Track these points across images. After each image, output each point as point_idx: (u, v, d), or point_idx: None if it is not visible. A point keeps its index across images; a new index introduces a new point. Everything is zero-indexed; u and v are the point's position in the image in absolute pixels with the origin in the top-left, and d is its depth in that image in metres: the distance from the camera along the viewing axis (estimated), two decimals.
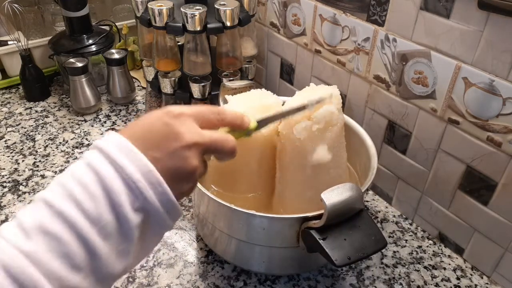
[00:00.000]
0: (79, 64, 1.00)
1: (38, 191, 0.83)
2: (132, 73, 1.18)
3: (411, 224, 0.79)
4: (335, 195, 0.54)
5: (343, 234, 0.55)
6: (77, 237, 0.35)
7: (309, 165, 0.63)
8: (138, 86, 1.18)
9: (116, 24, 1.17)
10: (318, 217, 0.55)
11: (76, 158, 0.92)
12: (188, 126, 0.42)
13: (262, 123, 0.51)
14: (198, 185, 0.60)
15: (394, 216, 0.81)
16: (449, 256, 0.74)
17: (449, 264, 0.72)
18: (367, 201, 0.84)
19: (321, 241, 0.54)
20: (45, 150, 0.94)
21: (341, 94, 0.71)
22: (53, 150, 0.94)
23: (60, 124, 1.03)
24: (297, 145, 0.62)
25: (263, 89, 0.71)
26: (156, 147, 0.40)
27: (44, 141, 0.97)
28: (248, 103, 0.66)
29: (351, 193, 0.54)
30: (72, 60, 1.01)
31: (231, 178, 0.69)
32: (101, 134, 1.00)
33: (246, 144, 0.63)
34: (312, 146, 0.61)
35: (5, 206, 0.80)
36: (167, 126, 0.41)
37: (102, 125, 1.03)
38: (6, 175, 0.88)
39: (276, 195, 0.69)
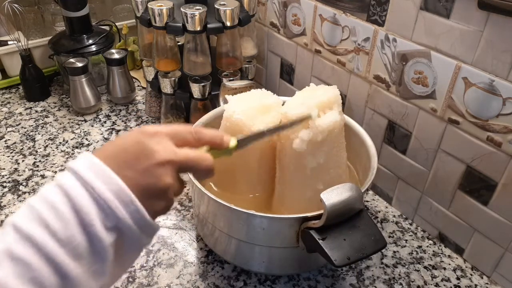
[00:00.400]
0: (79, 64, 1.00)
1: (38, 191, 0.83)
2: (132, 73, 1.18)
3: (411, 224, 0.79)
4: (334, 195, 0.54)
5: (342, 234, 0.55)
6: (47, 261, 0.35)
7: (309, 165, 0.63)
8: (138, 86, 1.18)
9: (116, 24, 1.17)
10: (318, 217, 0.55)
11: (76, 158, 0.92)
12: (163, 144, 0.42)
13: (242, 142, 0.50)
14: (198, 185, 0.60)
15: (394, 216, 0.81)
16: (449, 256, 0.74)
17: (449, 264, 0.72)
18: (367, 201, 0.84)
19: (320, 241, 0.54)
20: (45, 150, 0.94)
21: (341, 94, 0.71)
22: (53, 150, 0.94)
23: (60, 124, 1.03)
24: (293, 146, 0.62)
25: (263, 89, 0.72)
26: (128, 165, 0.40)
27: (44, 141, 0.97)
28: (248, 103, 0.66)
29: (350, 193, 0.54)
30: (72, 60, 1.01)
31: (231, 179, 0.69)
32: (101, 134, 1.00)
33: None
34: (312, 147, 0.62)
35: (5, 206, 0.80)
36: (140, 144, 0.41)
37: (102, 125, 1.03)
38: (6, 175, 0.88)
39: (276, 195, 0.69)
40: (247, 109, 0.64)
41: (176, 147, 0.43)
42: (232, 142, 0.49)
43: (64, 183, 0.38)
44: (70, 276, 0.36)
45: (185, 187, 0.46)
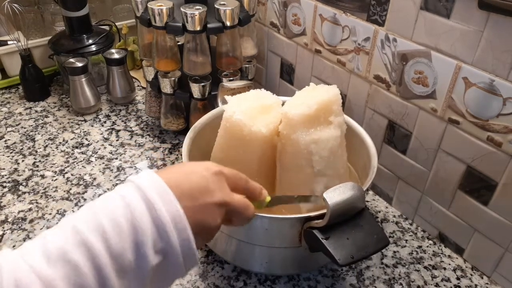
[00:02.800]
0: (79, 64, 1.00)
1: (38, 191, 0.83)
2: (132, 73, 1.18)
3: (411, 224, 0.79)
4: (337, 195, 0.53)
5: (345, 233, 0.55)
6: (95, 270, 0.35)
7: (310, 165, 0.63)
8: (138, 86, 1.18)
9: (116, 24, 1.17)
10: (320, 216, 0.55)
11: (76, 158, 0.92)
12: (222, 185, 0.44)
13: (274, 201, 0.53)
14: None
15: (394, 216, 0.81)
16: (449, 256, 0.74)
17: (449, 264, 0.72)
18: (367, 201, 0.84)
19: (324, 241, 0.54)
20: (45, 150, 0.94)
21: (341, 94, 0.70)
22: (53, 150, 0.94)
23: (60, 124, 1.03)
24: (297, 146, 0.62)
25: (262, 89, 0.71)
26: (190, 196, 0.41)
27: (44, 141, 0.97)
28: (248, 103, 0.66)
29: (353, 192, 0.54)
30: (72, 60, 1.01)
31: None
32: (101, 134, 1.00)
33: (246, 145, 0.63)
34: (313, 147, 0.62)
35: (5, 206, 0.80)
36: (205, 180, 0.43)
37: (102, 125, 1.03)
38: (6, 175, 0.87)
39: (277, 195, 0.69)
40: (247, 109, 0.64)
41: (230, 191, 0.45)
42: (268, 198, 0.52)
43: (127, 196, 0.39)
44: None
45: None
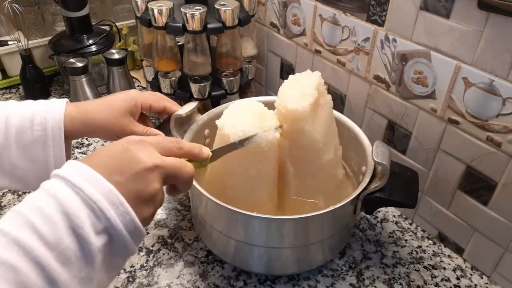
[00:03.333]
0: (79, 64, 1.00)
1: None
2: (132, 73, 1.18)
3: (411, 224, 0.79)
4: (384, 155, 0.60)
5: (393, 185, 0.62)
6: (35, 264, 0.34)
7: (321, 152, 0.65)
8: (138, 86, 1.18)
9: (116, 24, 1.17)
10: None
11: (76, 158, 0.92)
12: (149, 151, 0.43)
13: (216, 154, 0.53)
14: (196, 185, 0.60)
15: (394, 216, 0.81)
16: (449, 256, 0.74)
17: (449, 264, 0.72)
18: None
19: (390, 198, 0.62)
20: None
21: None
22: None
23: None
24: (311, 136, 0.63)
25: (244, 100, 0.71)
26: (117, 171, 0.41)
27: None
28: (241, 115, 0.63)
29: (387, 149, 0.62)
30: (72, 60, 1.01)
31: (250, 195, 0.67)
32: None
33: (258, 158, 0.63)
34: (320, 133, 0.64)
35: (5, 206, 0.80)
36: (128, 151, 0.42)
37: None
38: None
39: (293, 191, 0.69)
40: (242, 122, 0.61)
41: (160, 155, 0.44)
42: (208, 153, 0.51)
43: (51, 187, 0.38)
44: (58, 281, 0.36)
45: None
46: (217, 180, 0.65)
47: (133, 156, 0.42)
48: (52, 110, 0.57)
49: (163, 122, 0.71)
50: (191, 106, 0.70)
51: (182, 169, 0.46)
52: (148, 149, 0.44)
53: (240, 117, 0.62)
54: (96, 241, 0.38)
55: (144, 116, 0.69)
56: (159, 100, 0.66)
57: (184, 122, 0.71)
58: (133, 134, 0.61)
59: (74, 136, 0.61)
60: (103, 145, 0.96)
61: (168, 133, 0.68)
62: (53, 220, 0.36)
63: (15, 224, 0.36)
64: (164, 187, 0.47)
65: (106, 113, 0.61)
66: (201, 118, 0.73)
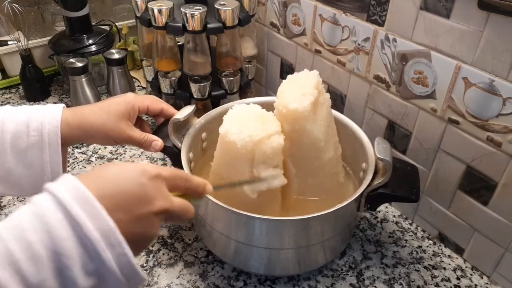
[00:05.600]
0: (79, 64, 1.00)
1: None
2: (132, 73, 1.18)
3: (411, 224, 0.79)
4: (386, 152, 0.61)
5: (395, 184, 0.63)
6: None
7: (323, 151, 0.66)
8: (138, 86, 1.18)
9: (116, 24, 1.17)
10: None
11: (76, 158, 0.92)
12: (162, 190, 0.40)
13: (216, 189, 0.52)
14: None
15: (394, 216, 0.81)
16: (449, 256, 0.74)
17: (449, 264, 0.72)
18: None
19: (393, 193, 0.63)
20: None
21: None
22: None
23: None
24: (312, 134, 0.63)
25: (241, 102, 0.71)
26: (124, 208, 0.37)
27: None
28: (243, 119, 0.63)
29: (388, 145, 0.63)
30: (72, 60, 1.01)
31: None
32: None
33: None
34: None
35: (5, 206, 0.80)
36: (143, 188, 0.38)
37: None
38: None
39: (295, 190, 0.69)
40: (246, 127, 0.61)
41: (169, 194, 0.42)
42: (210, 190, 0.50)
43: (45, 215, 0.34)
44: None
45: None
46: (218, 181, 0.65)
47: (145, 195, 0.38)
48: (49, 115, 0.56)
49: (160, 126, 0.70)
50: (188, 110, 0.70)
51: (186, 213, 0.44)
52: (162, 187, 0.41)
53: (242, 122, 0.61)
54: (84, 283, 0.34)
55: (141, 121, 0.68)
56: (155, 102, 0.65)
57: (182, 127, 0.70)
58: (130, 139, 0.61)
59: (71, 142, 0.60)
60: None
61: (165, 137, 0.67)
62: (39, 258, 0.32)
63: None
64: None
65: (103, 117, 0.60)
66: (198, 122, 0.72)
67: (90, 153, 0.94)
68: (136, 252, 0.39)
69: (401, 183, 0.64)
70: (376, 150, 0.62)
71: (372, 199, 0.64)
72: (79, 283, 0.34)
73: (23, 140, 0.55)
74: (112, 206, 0.36)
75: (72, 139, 0.59)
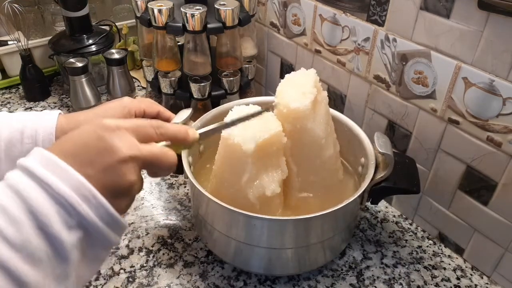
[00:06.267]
0: (79, 64, 1.00)
1: None
2: (132, 73, 1.18)
3: (411, 224, 0.79)
4: (387, 146, 0.62)
5: (396, 176, 0.64)
6: (0, 269, 0.33)
7: (323, 148, 0.66)
8: (138, 86, 1.18)
9: (116, 24, 1.17)
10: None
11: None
12: (125, 139, 0.40)
13: (203, 135, 0.50)
14: (197, 186, 0.60)
15: (394, 216, 0.81)
16: (449, 256, 0.74)
17: (449, 264, 0.72)
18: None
19: (396, 186, 0.64)
20: None
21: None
22: None
23: None
24: (313, 133, 0.64)
25: (240, 103, 0.70)
26: (89, 163, 0.38)
27: None
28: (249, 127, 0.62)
29: (388, 140, 0.64)
30: (72, 60, 1.01)
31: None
32: None
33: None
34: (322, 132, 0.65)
35: None
36: (102, 140, 0.39)
37: None
38: None
39: (297, 188, 0.69)
40: (248, 128, 0.61)
41: (139, 143, 0.41)
42: (196, 136, 0.48)
43: (15, 183, 0.36)
44: (28, 282, 0.34)
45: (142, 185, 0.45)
46: (221, 185, 0.65)
47: (106, 146, 0.39)
48: (43, 123, 0.55)
49: None
50: (186, 113, 0.69)
51: (162, 159, 0.43)
52: (124, 136, 0.40)
53: (244, 124, 0.61)
54: (69, 238, 0.36)
55: None
56: (151, 106, 0.63)
57: None
58: None
59: None
60: None
61: None
62: (18, 220, 0.34)
63: None
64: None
65: None
66: (195, 125, 0.72)
67: None
68: (119, 206, 0.40)
69: (402, 176, 0.65)
70: (377, 145, 0.63)
71: (375, 193, 0.65)
72: (63, 238, 0.36)
73: (17, 147, 0.54)
74: (77, 163, 0.37)
75: None
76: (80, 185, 0.37)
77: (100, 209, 0.38)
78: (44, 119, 0.56)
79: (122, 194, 0.41)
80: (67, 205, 0.36)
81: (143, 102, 0.64)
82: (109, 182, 0.39)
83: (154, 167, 0.43)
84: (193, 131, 0.48)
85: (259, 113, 0.60)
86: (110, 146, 0.39)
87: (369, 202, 0.67)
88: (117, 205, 0.40)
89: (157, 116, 0.66)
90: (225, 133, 0.61)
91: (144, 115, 0.64)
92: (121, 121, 0.41)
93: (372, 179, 0.63)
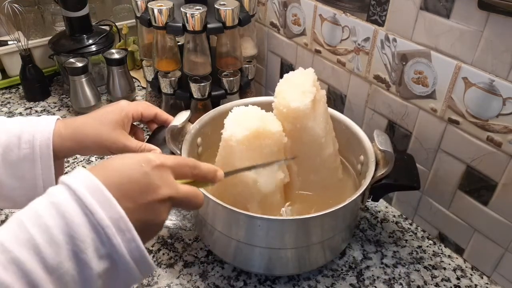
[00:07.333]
0: (79, 64, 1.00)
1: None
2: (132, 73, 1.18)
3: (411, 224, 0.79)
4: (387, 144, 0.63)
5: (395, 173, 0.64)
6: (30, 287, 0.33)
7: (323, 147, 0.67)
8: (138, 86, 1.18)
9: (116, 24, 1.17)
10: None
11: (76, 157, 0.92)
12: (166, 178, 0.42)
13: (227, 175, 0.52)
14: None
15: (394, 216, 0.81)
16: (449, 256, 0.74)
17: (449, 264, 0.72)
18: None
19: (396, 183, 0.64)
20: None
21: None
22: None
23: None
24: (313, 131, 0.64)
25: (239, 103, 0.70)
26: (131, 197, 0.39)
27: None
28: (245, 122, 0.63)
29: (387, 137, 0.65)
30: (72, 60, 1.01)
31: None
32: None
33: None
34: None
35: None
36: (147, 177, 0.40)
37: None
38: None
39: (297, 188, 0.69)
40: (248, 130, 0.61)
41: (175, 182, 0.43)
42: (222, 176, 0.50)
43: (60, 204, 0.36)
44: None
45: None
46: (222, 186, 0.65)
47: (150, 184, 0.40)
48: (41, 128, 0.55)
49: (154, 133, 0.69)
50: (184, 115, 0.69)
51: (194, 200, 0.44)
52: (165, 175, 0.42)
53: (245, 125, 0.61)
54: (97, 267, 0.37)
55: (135, 128, 0.67)
56: (149, 108, 0.64)
57: (177, 134, 0.69)
58: (126, 149, 0.60)
59: (65, 154, 0.58)
60: None
61: (161, 144, 0.66)
62: (57, 242, 0.35)
63: (17, 240, 0.34)
64: None
65: (97, 127, 0.58)
66: (193, 127, 0.71)
67: None
68: (144, 240, 0.40)
69: (401, 172, 0.65)
70: (377, 142, 0.64)
71: (376, 190, 0.65)
72: (93, 266, 0.36)
73: (14, 152, 0.54)
74: (119, 195, 0.38)
75: (66, 151, 0.57)
76: (119, 218, 0.37)
77: (131, 243, 0.38)
78: (42, 124, 0.56)
79: (151, 231, 0.42)
80: (103, 234, 0.36)
81: (140, 105, 0.64)
82: (145, 218, 0.40)
83: (184, 206, 0.45)
84: (221, 173, 0.49)
85: (284, 160, 0.64)
86: (153, 184, 0.40)
87: (369, 200, 0.67)
88: (143, 239, 0.40)
89: (154, 119, 0.66)
90: (225, 134, 0.61)
91: (141, 118, 0.64)
92: (163, 158, 0.42)
93: (373, 177, 0.63)
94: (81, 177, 0.38)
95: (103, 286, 0.38)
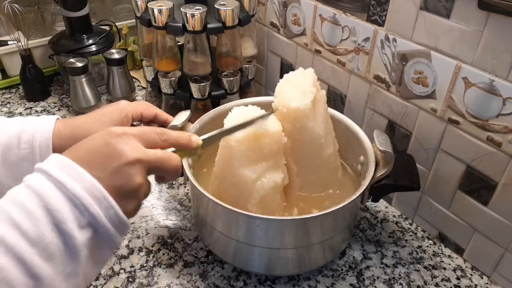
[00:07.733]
0: (79, 64, 1.00)
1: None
2: (132, 73, 1.18)
3: (411, 224, 0.79)
4: (387, 144, 0.63)
5: (395, 174, 0.64)
6: (17, 261, 0.34)
7: (323, 147, 0.67)
8: (138, 86, 1.18)
9: (116, 24, 1.17)
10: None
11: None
12: (131, 144, 0.43)
13: (207, 141, 0.51)
14: (197, 186, 0.60)
15: (394, 216, 0.81)
16: (449, 256, 0.74)
17: (449, 264, 0.72)
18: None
19: (396, 183, 0.64)
20: None
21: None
22: None
23: None
24: (314, 131, 0.64)
25: (239, 104, 0.70)
26: (100, 167, 0.40)
27: None
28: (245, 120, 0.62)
29: (388, 137, 0.64)
30: (72, 60, 1.01)
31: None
32: None
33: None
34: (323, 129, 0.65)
35: None
36: (110, 145, 0.42)
37: None
38: None
39: (297, 188, 0.69)
40: (247, 130, 0.61)
41: (143, 147, 0.44)
42: (200, 142, 0.49)
43: (33, 183, 0.38)
44: (42, 277, 0.35)
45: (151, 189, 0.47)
46: (223, 187, 0.65)
47: (114, 151, 0.41)
48: (41, 127, 0.56)
49: None
50: (184, 115, 0.68)
51: (166, 162, 0.45)
52: (130, 141, 0.43)
53: (245, 126, 0.61)
54: (80, 236, 0.38)
55: None
56: (148, 108, 0.64)
57: None
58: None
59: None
60: None
61: None
62: (35, 215, 0.36)
63: None
64: (153, 176, 0.47)
65: (96, 127, 0.58)
66: (193, 127, 0.71)
67: None
68: (126, 206, 0.42)
69: (401, 173, 0.65)
70: (377, 143, 0.63)
71: (376, 190, 0.65)
72: (75, 235, 0.37)
73: (14, 152, 0.54)
74: (88, 167, 0.40)
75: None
76: (92, 187, 0.39)
77: (110, 210, 0.40)
78: (41, 124, 0.56)
79: (129, 196, 0.42)
80: (80, 204, 0.38)
81: (140, 105, 0.64)
82: (118, 184, 0.41)
83: (160, 170, 0.45)
84: (196, 137, 0.50)
85: (261, 117, 0.60)
86: (117, 150, 0.41)
87: (369, 200, 0.67)
88: (124, 207, 0.41)
89: (154, 119, 0.66)
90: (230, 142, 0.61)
91: (141, 118, 0.64)
92: (127, 128, 0.44)
93: (372, 177, 0.63)
94: (52, 159, 0.40)
95: (89, 254, 0.39)
